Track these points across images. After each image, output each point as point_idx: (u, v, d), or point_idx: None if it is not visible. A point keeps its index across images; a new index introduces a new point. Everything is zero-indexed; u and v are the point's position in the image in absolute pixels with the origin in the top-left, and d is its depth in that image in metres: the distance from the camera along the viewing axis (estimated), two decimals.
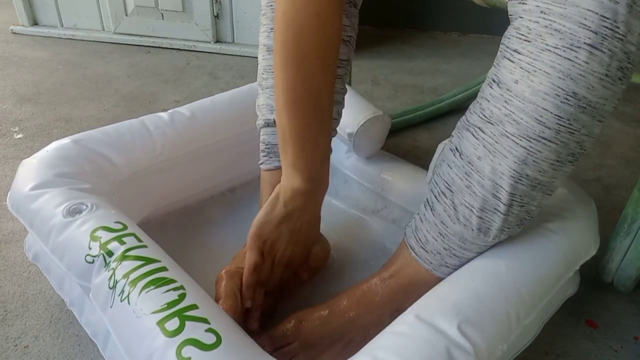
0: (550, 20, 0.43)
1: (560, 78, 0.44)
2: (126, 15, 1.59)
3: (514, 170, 0.48)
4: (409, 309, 0.52)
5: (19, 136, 1.10)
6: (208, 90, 1.35)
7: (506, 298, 0.53)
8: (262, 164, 0.71)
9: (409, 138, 1.14)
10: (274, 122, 0.69)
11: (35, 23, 1.68)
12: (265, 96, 0.69)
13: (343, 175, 0.90)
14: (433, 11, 1.76)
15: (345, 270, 0.75)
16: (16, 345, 0.65)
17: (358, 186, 0.89)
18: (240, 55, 1.55)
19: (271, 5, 0.67)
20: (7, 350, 0.64)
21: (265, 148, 0.70)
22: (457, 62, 1.55)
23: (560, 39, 0.43)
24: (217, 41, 1.59)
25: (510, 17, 0.48)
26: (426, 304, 0.52)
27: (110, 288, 0.52)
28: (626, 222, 0.70)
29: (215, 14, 1.54)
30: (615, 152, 1.12)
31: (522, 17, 0.46)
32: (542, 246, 0.59)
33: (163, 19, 1.57)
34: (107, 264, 0.54)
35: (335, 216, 0.84)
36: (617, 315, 0.72)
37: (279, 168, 0.70)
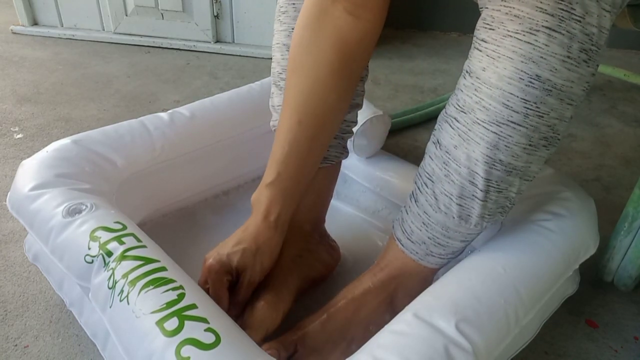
0: (510, 7, 0.45)
1: (522, 62, 0.45)
2: (126, 15, 1.59)
3: (486, 155, 0.49)
4: (407, 308, 0.52)
5: (19, 136, 1.10)
6: (208, 90, 1.35)
7: (505, 297, 0.53)
8: None
9: (409, 138, 1.14)
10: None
11: (35, 23, 1.68)
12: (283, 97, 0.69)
13: (343, 175, 0.89)
14: (433, 11, 1.76)
15: (344, 271, 0.75)
16: (16, 345, 0.65)
17: (358, 186, 0.89)
18: (240, 55, 1.54)
19: (293, 4, 0.66)
20: (7, 350, 0.64)
21: None
22: (457, 62, 1.55)
23: (520, 24, 0.44)
24: (217, 41, 1.59)
25: (480, 9, 0.49)
26: (424, 303, 0.52)
27: (110, 288, 0.52)
28: (627, 221, 0.70)
29: (215, 14, 1.54)
30: (615, 152, 1.11)
31: (487, 7, 0.47)
32: (540, 245, 0.59)
33: (163, 19, 1.57)
34: (106, 264, 0.54)
35: (335, 216, 0.84)
36: (617, 315, 0.72)
37: None
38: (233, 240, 0.60)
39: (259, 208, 0.61)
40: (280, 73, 0.69)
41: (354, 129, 0.82)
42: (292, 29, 0.66)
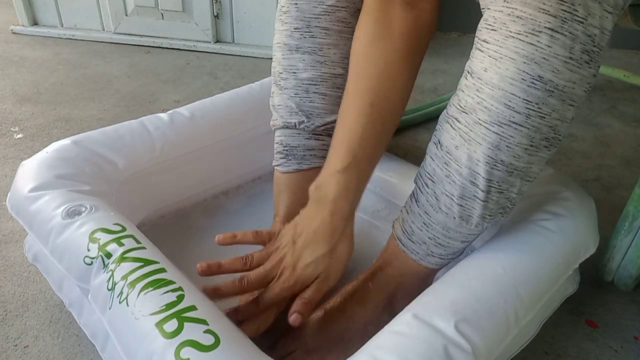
0: (513, 8, 0.45)
1: (525, 63, 0.45)
2: (126, 15, 1.59)
3: (488, 156, 0.49)
4: (407, 308, 0.52)
5: (19, 136, 1.10)
6: (208, 90, 1.35)
7: (504, 297, 0.53)
8: (279, 165, 0.70)
9: (409, 138, 1.14)
10: (295, 125, 0.69)
11: (35, 23, 1.68)
12: (284, 97, 0.69)
13: None
14: None
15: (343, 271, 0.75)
16: (16, 345, 0.65)
17: None
18: (240, 55, 1.54)
19: (295, 4, 0.66)
20: (7, 350, 0.64)
21: (284, 150, 0.70)
22: (457, 62, 1.55)
23: (522, 25, 0.44)
24: (217, 41, 1.59)
25: (482, 10, 0.49)
26: (424, 303, 0.52)
27: (109, 290, 0.52)
28: (627, 221, 0.70)
29: (215, 14, 1.54)
30: (615, 152, 1.11)
31: (489, 9, 0.47)
32: (540, 245, 0.59)
33: (163, 19, 1.57)
34: (105, 266, 0.54)
35: None
36: (617, 315, 0.72)
37: (297, 171, 0.70)
38: (304, 243, 0.59)
39: (327, 198, 0.59)
40: (281, 73, 0.69)
41: None
42: (294, 28, 0.66)
